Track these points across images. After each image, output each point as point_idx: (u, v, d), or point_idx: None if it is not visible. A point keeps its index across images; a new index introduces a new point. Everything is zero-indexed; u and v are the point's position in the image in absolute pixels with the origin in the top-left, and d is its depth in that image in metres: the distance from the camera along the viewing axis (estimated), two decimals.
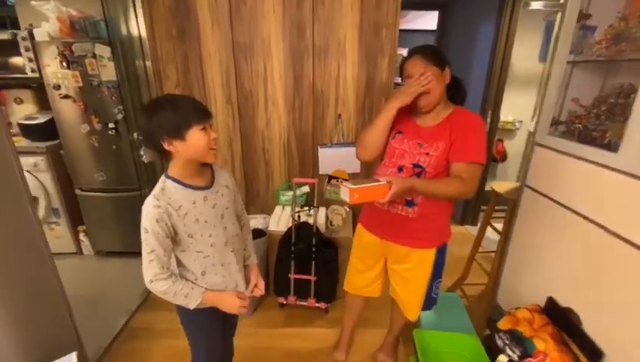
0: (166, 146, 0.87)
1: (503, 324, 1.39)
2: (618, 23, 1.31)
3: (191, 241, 0.96)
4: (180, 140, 0.86)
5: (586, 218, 1.27)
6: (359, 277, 1.40)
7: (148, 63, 1.95)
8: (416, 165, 1.14)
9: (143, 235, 0.89)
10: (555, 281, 1.43)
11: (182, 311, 1.04)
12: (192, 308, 0.98)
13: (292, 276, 1.74)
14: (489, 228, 2.06)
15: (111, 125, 2.08)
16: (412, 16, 5.09)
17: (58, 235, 2.41)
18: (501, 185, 1.95)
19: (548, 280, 1.48)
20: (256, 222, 2.00)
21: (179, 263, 1.02)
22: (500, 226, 1.94)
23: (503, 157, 3.34)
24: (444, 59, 1.12)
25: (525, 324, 1.34)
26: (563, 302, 1.37)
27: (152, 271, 0.91)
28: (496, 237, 1.98)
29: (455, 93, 1.21)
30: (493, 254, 2.00)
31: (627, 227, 1.11)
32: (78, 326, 1.41)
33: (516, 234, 1.72)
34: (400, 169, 1.17)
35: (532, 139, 1.62)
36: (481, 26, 2.78)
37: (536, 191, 1.55)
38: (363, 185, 0.98)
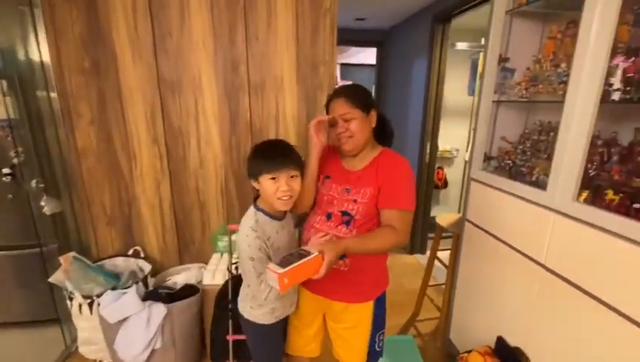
0: (253, 183, 1.02)
1: None
2: (534, 66, 1.40)
3: None
4: (257, 182, 1.00)
5: (525, 255, 1.28)
6: (297, 337, 1.24)
7: (54, 95, 1.68)
8: (344, 213, 1.05)
9: (249, 263, 0.97)
10: (504, 319, 1.41)
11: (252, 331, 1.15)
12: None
13: (230, 338, 1.52)
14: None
15: (6, 170, 1.73)
16: (354, 51, 5.34)
17: None
18: (445, 217, 1.96)
19: (497, 318, 1.45)
20: (188, 274, 1.76)
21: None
22: (448, 257, 1.93)
23: (444, 184, 3.49)
24: (370, 102, 1.06)
25: None
26: (512, 341, 1.34)
27: (266, 292, 1.00)
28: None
29: (382, 134, 1.15)
30: (444, 286, 1.98)
31: (565, 267, 1.11)
32: None
33: (462, 269, 1.71)
34: (329, 216, 1.08)
35: (468, 171, 1.66)
36: (415, 62, 2.94)
37: (477, 226, 1.56)
38: (293, 266, 0.82)
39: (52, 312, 1.83)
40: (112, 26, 1.63)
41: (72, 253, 1.65)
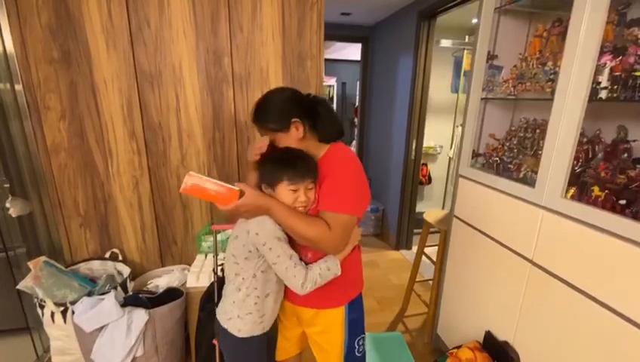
0: (265, 190, 0.94)
1: None
2: (520, 64, 1.42)
3: None
4: (271, 190, 0.93)
5: (513, 251, 1.29)
6: (283, 340, 1.17)
7: (18, 87, 1.55)
8: None
9: (277, 243, 0.90)
10: (492, 314, 1.42)
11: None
12: (339, 273, 0.96)
13: (216, 342, 1.46)
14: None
15: None
16: (339, 46, 5.27)
17: None
18: (432, 214, 1.97)
19: (485, 313, 1.47)
20: (171, 277, 1.68)
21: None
22: (434, 253, 1.94)
23: (428, 180, 3.53)
24: (287, 116, 0.93)
25: None
26: (500, 335, 1.36)
27: (302, 273, 0.91)
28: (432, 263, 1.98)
29: (323, 133, 1.00)
30: (431, 282, 2.00)
31: (553, 262, 1.13)
32: None
33: (450, 265, 1.72)
34: None
35: (455, 168, 1.66)
36: (400, 59, 2.94)
37: (465, 222, 1.57)
38: (204, 178, 0.85)
39: (21, 320, 1.70)
40: (84, 14, 1.52)
41: (43, 258, 1.53)
